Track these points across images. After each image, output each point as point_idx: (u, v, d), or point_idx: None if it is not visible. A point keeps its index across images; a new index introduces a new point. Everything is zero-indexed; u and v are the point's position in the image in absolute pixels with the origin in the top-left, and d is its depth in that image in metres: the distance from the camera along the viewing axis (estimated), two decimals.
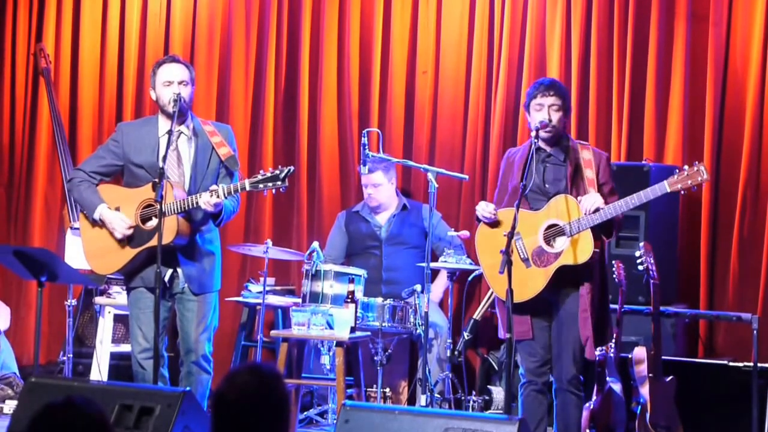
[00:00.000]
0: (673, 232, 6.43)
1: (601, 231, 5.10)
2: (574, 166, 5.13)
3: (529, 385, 5.19)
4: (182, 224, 5.14)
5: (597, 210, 4.99)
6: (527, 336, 5.13)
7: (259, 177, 5.06)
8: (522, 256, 5.07)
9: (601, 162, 5.17)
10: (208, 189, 5.08)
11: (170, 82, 5.23)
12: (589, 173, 5.11)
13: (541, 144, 5.17)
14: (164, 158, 5.02)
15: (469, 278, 6.63)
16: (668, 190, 4.97)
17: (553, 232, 5.07)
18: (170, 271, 5.20)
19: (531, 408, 5.17)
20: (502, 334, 5.14)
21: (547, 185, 5.16)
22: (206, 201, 5.05)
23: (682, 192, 5.01)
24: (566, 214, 5.04)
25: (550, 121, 5.10)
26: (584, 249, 5.02)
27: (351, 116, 7.33)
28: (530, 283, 5.06)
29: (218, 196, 5.05)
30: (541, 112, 5.11)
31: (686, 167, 4.99)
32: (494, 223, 5.17)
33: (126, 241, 5.23)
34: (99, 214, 5.25)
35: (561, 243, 5.05)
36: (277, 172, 5.04)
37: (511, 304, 4.74)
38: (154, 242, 4.99)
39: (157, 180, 4.93)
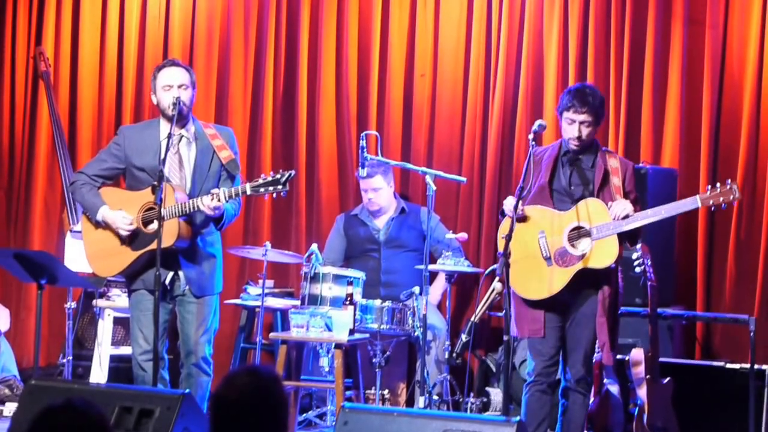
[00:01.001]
0: (671, 235, 6.44)
1: (626, 238, 5.15)
2: (603, 172, 5.17)
3: (535, 385, 5.21)
4: (183, 227, 5.15)
5: (626, 217, 5.04)
6: (539, 335, 5.16)
7: (260, 181, 5.05)
8: (544, 255, 5.12)
9: (627, 170, 5.22)
10: (209, 192, 5.09)
11: (170, 85, 5.23)
12: (615, 180, 5.15)
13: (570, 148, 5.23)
14: (163, 161, 5.03)
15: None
16: (699, 206, 5.08)
17: (577, 234, 5.11)
18: (171, 273, 5.21)
19: (534, 408, 5.20)
20: (514, 331, 5.17)
21: (572, 188, 5.20)
22: (207, 204, 5.05)
23: (712, 208, 5.09)
24: (593, 217, 5.08)
25: (579, 137, 5.13)
26: (608, 254, 5.06)
27: (349, 119, 7.34)
28: (550, 282, 5.10)
29: (219, 200, 5.06)
30: (572, 126, 5.14)
31: (719, 184, 5.06)
32: (520, 219, 5.17)
33: (128, 244, 5.24)
34: (101, 216, 5.26)
35: (584, 246, 5.09)
36: (278, 176, 5.03)
37: (509, 307, 4.79)
38: (155, 245, 4.99)
39: (156, 183, 4.96)
